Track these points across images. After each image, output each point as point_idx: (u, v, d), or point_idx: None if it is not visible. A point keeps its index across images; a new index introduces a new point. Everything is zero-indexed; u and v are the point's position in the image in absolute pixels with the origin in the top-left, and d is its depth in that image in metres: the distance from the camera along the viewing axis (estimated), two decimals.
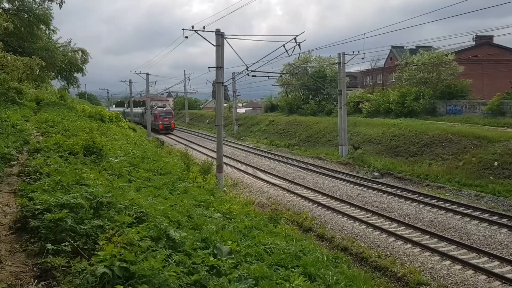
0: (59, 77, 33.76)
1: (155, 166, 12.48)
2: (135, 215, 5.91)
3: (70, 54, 32.47)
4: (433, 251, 13.76)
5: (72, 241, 4.74)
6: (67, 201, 5.47)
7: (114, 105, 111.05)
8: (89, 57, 33.65)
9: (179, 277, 4.43)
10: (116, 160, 10.55)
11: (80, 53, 33.06)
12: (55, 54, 27.82)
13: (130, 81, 63.79)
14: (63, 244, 4.67)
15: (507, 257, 12.98)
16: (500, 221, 16.56)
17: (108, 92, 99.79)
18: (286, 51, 21.33)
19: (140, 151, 15.24)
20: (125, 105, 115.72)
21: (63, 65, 31.55)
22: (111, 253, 4.26)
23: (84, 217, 5.29)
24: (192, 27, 21.76)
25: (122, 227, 5.23)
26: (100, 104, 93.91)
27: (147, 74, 51.17)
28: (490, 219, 16.94)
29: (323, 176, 27.40)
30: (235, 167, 31.35)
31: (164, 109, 67.36)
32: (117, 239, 4.56)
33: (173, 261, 4.80)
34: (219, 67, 21.41)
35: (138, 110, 77.90)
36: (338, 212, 18.69)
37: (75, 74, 34.23)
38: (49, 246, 4.68)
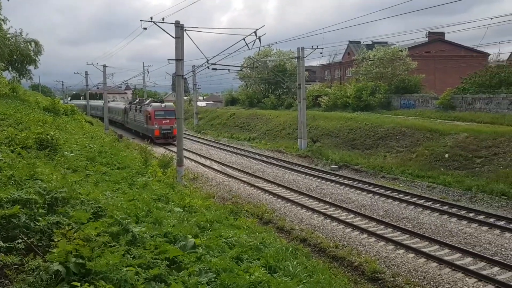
0: (10, 69, 32.19)
1: (113, 160, 12.22)
2: (92, 211, 5.78)
3: (22, 45, 30.98)
4: (388, 240, 14.26)
5: (25, 238, 4.58)
6: (19, 197, 5.27)
7: (69, 98, 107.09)
8: (42, 49, 32.27)
9: (138, 272, 4.39)
10: (71, 154, 10.25)
11: (33, 44, 31.62)
12: (2, 45, 26.43)
13: (86, 73, 61.85)
14: (16, 241, 4.51)
15: (456, 245, 13.64)
16: (450, 211, 17.38)
17: (63, 84, 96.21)
18: (247, 44, 21.35)
19: (97, 145, 14.86)
20: (81, 97, 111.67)
21: (15, 57, 30.10)
22: (66, 249, 4.16)
23: (38, 213, 5.12)
24: (151, 18, 21.32)
25: (78, 223, 5.10)
26: (55, 96, 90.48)
27: (104, 66, 49.77)
28: (441, 209, 17.74)
29: (283, 169, 27.72)
30: (195, 161, 31.17)
31: (163, 105, 42.41)
32: (73, 235, 4.45)
33: (132, 256, 4.75)
34: (179, 59, 21.14)
35: (117, 105, 63.50)
36: (297, 204, 18.99)
37: (28, 67, 32.72)
38: (0, 243, 4.51)
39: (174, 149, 29.63)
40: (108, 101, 65.74)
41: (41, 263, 4.04)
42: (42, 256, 4.32)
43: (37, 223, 4.87)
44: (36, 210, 5.18)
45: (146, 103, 46.12)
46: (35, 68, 32.85)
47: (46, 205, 5.45)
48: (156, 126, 40.48)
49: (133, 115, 49.04)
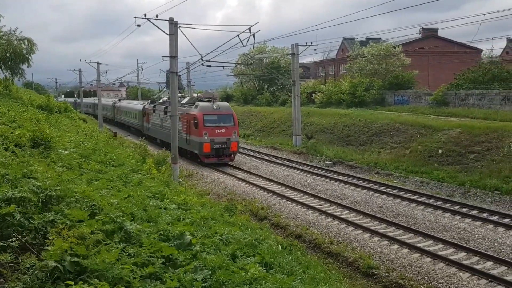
0: (2, 67, 31.88)
1: (107, 158, 12.17)
2: (86, 208, 5.77)
3: (15, 43, 30.65)
4: (382, 236, 14.34)
5: (19, 237, 4.57)
6: (14, 195, 5.25)
7: (63, 95, 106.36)
8: (36, 47, 31.95)
9: (133, 270, 4.39)
10: (65, 152, 10.20)
11: (26, 42, 31.29)
12: None
13: (80, 70, 61.48)
14: (10, 240, 4.50)
15: (450, 240, 13.76)
16: (444, 206, 17.50)
17: (56, 82, 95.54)
18: (241, 41, 21.36)
19: (92, 143, 14.80)
20: (74, 95, 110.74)
21: (8, 55, 29.79)
22: (62, 247, 4.16)
23: (33, 211, 5.10)
24: (145, 15, 21.22)
25: (73, 221, 5.10)
26: (49, 94, 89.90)
27: (98, 63, 49.46)
28: (434, 204, 17.85)
29: (278, 166, 27.76)
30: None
31: (215, 106, 28.80)
32: (67, 233, 4.45)
33: (127, 254, 4.75)
34: (173, 56, 21.07)
35: (130, 104, 50.43)
36: (292, 200, 19.04)
37: (21, 65, 32.36)
38: None
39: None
40: (119, 100, 60.02)
41: (36, 262, 4.03)
42: (37, 254, 4.31)
43: (31, 221, 4.85)
44: (30, 209, 5.16)
45: (184, 101, 32.50)
46: (28, 67, 32.55)
47: (40, 204, 5.43)
48: (205, 138, 26.65)
49: (159, 119, 35.16)
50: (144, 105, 41.81)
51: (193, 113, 27.79)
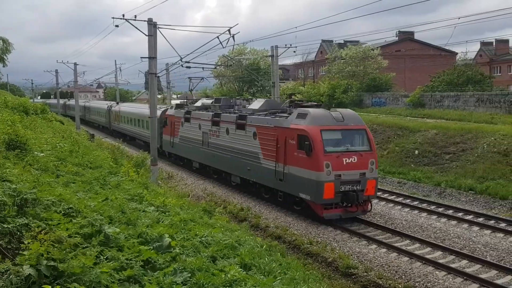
0: None
1: (84, 160, 12.01)
2: (63, 212, 5.68)
3: None
4: (360, 236, 14.50)
5: None
6: None
7: (39, 97, 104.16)
8: (11, 47, 31.25)
9: (111, 273, 4.35)
10: (42, 154, 10.02)
11: (1, 42, 30.58)
12: None
13: (56, 71, 60.19)
14: None
15: (426, 239, 14.00)
16: (420, 206, 17.82)
17: (32, 83, 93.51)
18: (221, 42, 21.27)
19: (68, 145, 14.56)
20: (51, 96, 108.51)
21: None
22: (38, 251, 4.09)
23: (8, 215, 5.00)
24: (123, 15, 20.93)
25: (50, 225, 5.01)
26: (24, 95, 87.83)
27: (75, 64, 48.55)
28: (411, 204, 18.16)
29: None
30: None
31: (334, 114, 15.98)
32: (44, 237, 4.38)
33: (105, 257, 4.70)
34: (152, 57, 20.88)
35: (135, 109, 38.91)
36: (271, 202, 19.02)
37: None
38: None
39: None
40: (117, 103, 48.37)
41: (10, 266, 3.95)
42: (11, 259, 4.23)
43: (5, 225, 4.75)
44: (5, 212, 5.06)
45: (256, 106, 20.41)
46: (3, 67, 31.83)
47: (15, 207, 5.32)
48: (327, 173, 14.86)
49: (199, 132, 23.50)
50: (165, 111, 29.68)
51: (299, 126, 15.54)
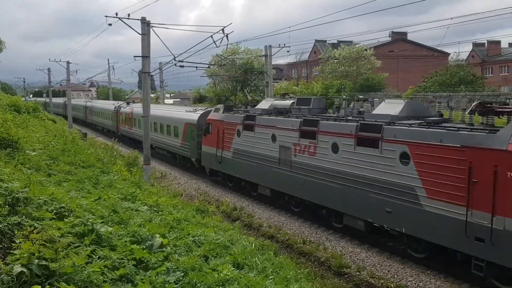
0: None
1: (76, 159, 11.95)
2: (55, 211, 5.66)
3: None
4: (353, 235, 14.55)
5: None
6: None
7: (31, 95, 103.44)
8: (3, 46, 31.05)
9: (103, 272, 4.34)
10: (33, 153, 9.97)
11: None
12: None
13: (49, 69, 59.94)
14: None
15: None
16: None
17: (24, 81, 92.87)
18: (214, 42, 21.27)
19: (61, 144, 14.49)
20: (43, 95, 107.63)
21: None
22: (29, 250, 4.07)
23: None
24: (116, 14, 20.88)
25: (42, 224, 4.99)
26: (16, 94, 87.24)
27: (68, 62, 48.32)
28: None
29: None
30: (163, 159, 30.80)
31: None
32: (35, 236, 4.36)
33: (97, 256, 4.69)
34: (146, 56, 20.84)
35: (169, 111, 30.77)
36: (265, 201, 19.04)
37: None
38: None
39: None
40: (127, 103, 41.11)
41: (1, 266, 3.93)
42: (3, 258, 4.21)
43: None
44: None
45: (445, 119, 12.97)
46: None
47: (7, 206, 5.29)
48: None
49: (275, 147, 16.98)
50: (204, 114, 23.64)
51: None
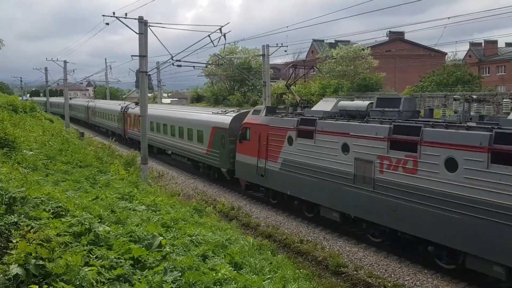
0: None
1: (74, 159, 11.93)
2: (52, 210, 5.64)
3: None
4: (350, 234, 14.56)
5: None
6: None
7: (28, 95, 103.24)
8: (1, 44, 30.93)
9: (101, 272, 4.33)
10: (31, 152, 9.95)
11: None
12: None
13: (46, 69, 59.83)
14: None
15: None
16: None
17: (21, 81, 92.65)
18: (212, 41, 21.30)
19: (58, 143, 14.45)
20: (40, 94, 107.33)
21: None
22: (26, 250, 4.06)
23: None
24: (114, 13, 20.86)
25: (38, 223, 4.98)
26: (13, 93, 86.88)
27: (65, 61, 48.26)
28: None
29: None
30: (161, 159, 30.77)
31: None
32: (32, 236, 4.35)
33: (94, 256, 4.68)
34: (143, 56, 20.80)
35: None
36: (262, 201, 19.05)
37: None
38: None
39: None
40: (135, 103, 36.21)
41: None
42: None
43: None
44: None
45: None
46: None
47: (3, 205, 5.28)
48: None
49: (366, 167, 12.79)
50: (239, 117, 20.49)
51: None
